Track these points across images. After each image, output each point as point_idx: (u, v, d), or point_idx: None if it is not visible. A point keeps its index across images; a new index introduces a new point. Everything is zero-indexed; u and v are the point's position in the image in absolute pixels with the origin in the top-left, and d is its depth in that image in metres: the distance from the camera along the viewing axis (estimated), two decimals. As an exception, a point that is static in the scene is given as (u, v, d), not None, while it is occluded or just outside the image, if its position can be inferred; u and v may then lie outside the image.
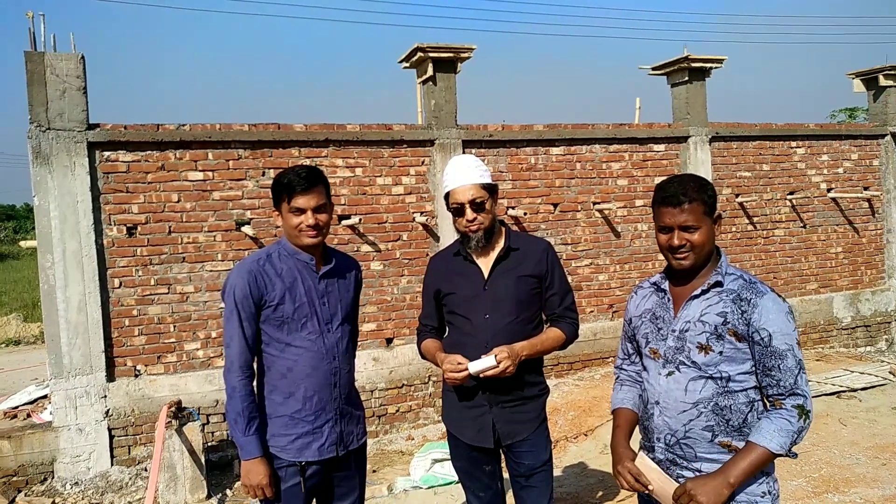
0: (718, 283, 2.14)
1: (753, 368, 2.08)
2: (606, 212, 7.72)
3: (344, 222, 6.55)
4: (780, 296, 2.13)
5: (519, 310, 2.80)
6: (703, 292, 2.15)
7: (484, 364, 2.61)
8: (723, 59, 8.07)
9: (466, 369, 2.65)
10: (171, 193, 6.08)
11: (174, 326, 6.08)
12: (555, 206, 7.52)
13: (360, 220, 6.59)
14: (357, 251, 6.65)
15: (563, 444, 5.86)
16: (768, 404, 2.09)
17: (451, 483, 5.04)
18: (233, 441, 2.69)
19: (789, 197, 8.66)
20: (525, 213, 7.28)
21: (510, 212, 7.25)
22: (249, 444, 2.54)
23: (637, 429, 2.37)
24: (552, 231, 7.48)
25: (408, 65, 7.27)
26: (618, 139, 7.78)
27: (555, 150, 7.53)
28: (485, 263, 2.85)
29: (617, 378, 2.48)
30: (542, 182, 7.48)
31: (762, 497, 2.07)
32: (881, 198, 9.22)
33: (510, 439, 2.82)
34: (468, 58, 7.02)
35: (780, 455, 2.02)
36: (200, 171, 6.18)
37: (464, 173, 2.80)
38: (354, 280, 2.85)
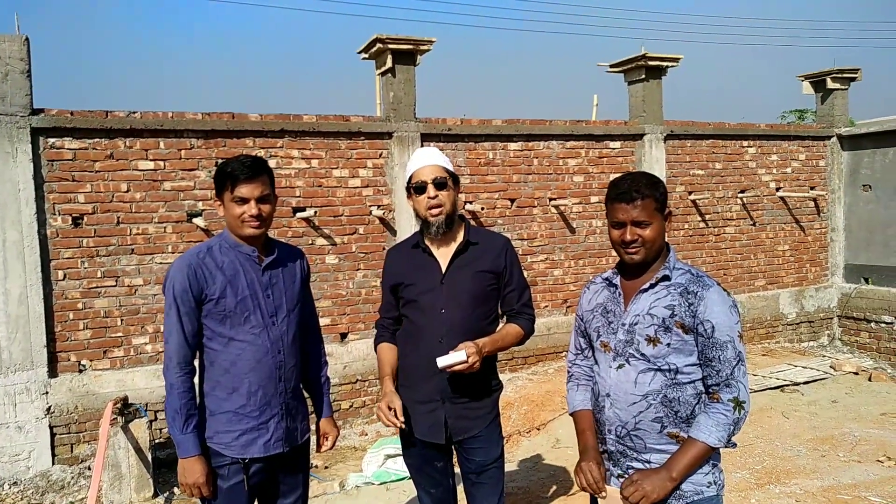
0: (666, 277, 2.20)
1: (699, 360, 2.15)
2: (562, 208, 7.78)
3: (299, 215, 6.45)
4: (725, 290, 2.20)
5: (475, 304, 2.80)
6: (652, 286, 2.21)
7: (453, 359, 2.59)
8: (679, 59, 8.20)
9: (399, 422, 2.65)
10: (119, 183, 5.90)
11: (121, 320, 5.92)
12: (512, 201, 7.54)
13: (316, 212, 6.50)
14: (312, 244, 6.56)
15: (515, 438, 5.90)
16: (707, 396, 2.15)
17: (403, 479, 5.03)
18: (181, 438, 2.63)
19: (740, 195, 8.87)
20: (482, 208, 7.29)
21: (468, 206, 7.25)
22: (187, 442, 2.49)
23: None
24: (509, 226, 7.51)
25: (367, 56, 7.19)
26: (574, 136, 7.85)
27: (513, 146, 7.55)
28: (443, 256, 2.84)
29: (570, 376, 2.50)
30: (499, 177, 7.50)
31: (707, 487, 2.15)
32: (826, 197, 9.52)
33: (462, 435, 2.82)
34: (427, 50, 6.98)
35: (719, 447, 2.10)
36: (151, 160, 6.01)
37: (428, 156, 2.84)
38: (300, 270, 2.80)
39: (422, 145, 7.02)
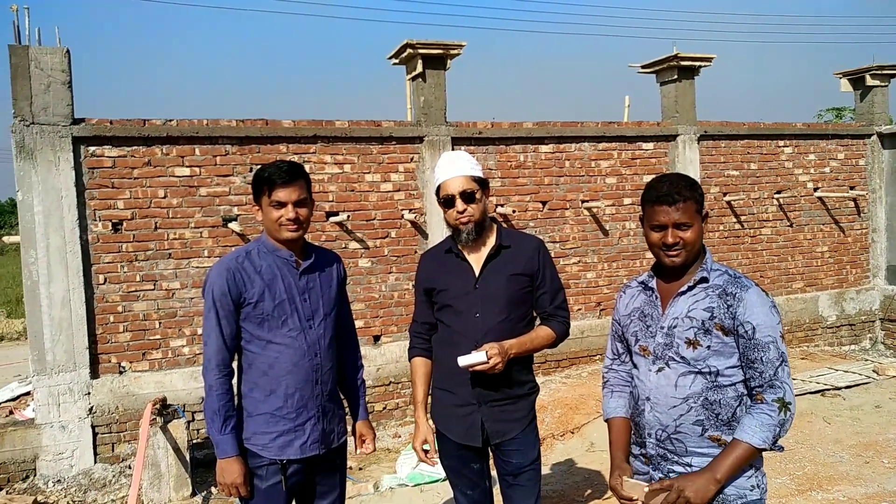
0: (704, 279, 2.18)
1: (740, 362, 2.12)
2: (595, 210, 7.73)
3: (332, 219, 6.52)
4: (764, 290, 2.17)
5: (510, 308, 2.80)
6: (690, 288, 2.19)
7: (473, 359, 2.60)
8: (712, 58, 8.09)
9: (433, 462, 2.86)
10: (157, 189, 6.02)
11: (159, 323, 6.03)
12: (543, 203, 7.52)
13: (349, 216, 6.56)
14: (345, 248, 6.61)
15: (549, 441, 5.87)
16: (751, 398, 2.12)
17: (437, 480, 5.04)
18: (216, 438, 2.68)
19: (776, 196, 8.71)
20: (514, 211, 7.27)
21: (499, 209, 7.24)
22: (225, 443, 2.53)
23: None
24: (541, 229, 7.48)
25: (397, 61, 7.24)
26: (606, 137, 7.79)
27: (544, 148, 7.53)
28: (476, 261, 2.84)
29: (606, 382, 2.48)
30: (531, 180, 7.47)
31: (751, 490, 2.11)
32: (867, 197, 9.29)
33: (499, 438, 2.81)
34: (458, 54, 7.00)
35: (765, 449, 2.05)
36: (187, 166, 6.12)
37: (455, 166, 2.80)
38: (336, 275, 2.84)
39: (452, 149, 7.03)
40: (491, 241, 2.86)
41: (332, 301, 2.77)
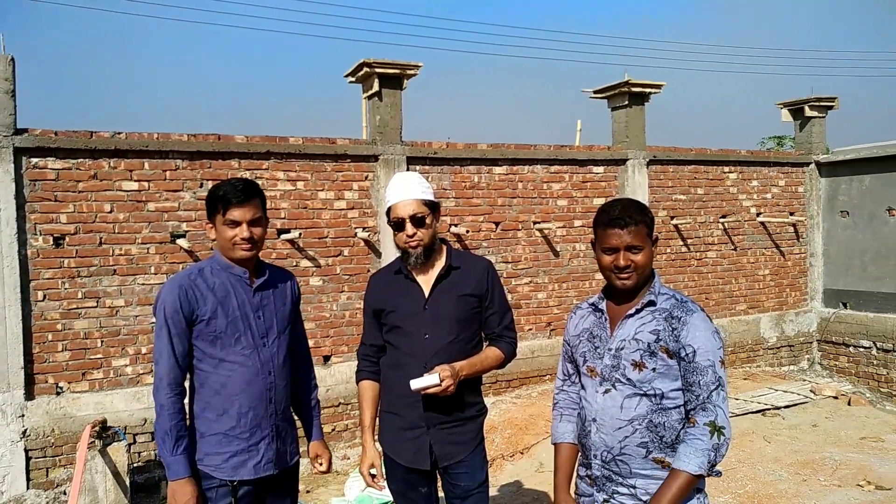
0: (652, 303, 2.23)
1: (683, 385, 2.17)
2: (546, 231, 7.84)
3: (283, 236, 6.44)
4: (709, 316, 2.23)
5: (459, 329, 2.81)
6: (638, 311, 2.23)
7: (426, 382, 2.60)
8: (662, 85, 8.34)
9: (380, 486, 2.86)
10: (103, 203, 5.86)
11: (102, 342, 5.84)
12: (496, 224, 7.59)
13: (301, 234, 6.50)
14: (296, 266, 6.54)
15: (499, 462, 5.88)
16: (686, 421, 2.16)
17: (386, 503, 4.99)
18: (160, 461, 2.62)
19: (721, 220, 8.99)
20: (467, 231, 7.32)
21: (453, 229, 7.28)
22: (176, 464, 2.48)
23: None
24: (493, 249, 7.54)
25: (354, 80, 7.24)
26: (559, 160, 7.93)
27: (497, 170, 7.61)
28: (425, 282, 2.85)
29: (556, 404, 2.52)
30: (484, 200, 7.54)
31: None
32: (805, 223, 9.67)
33: (447, 461, 2.81)
34: (414, 75, 7.05)
35: (703, 475, 2.08)
36: (135, 181, 5.98)
37: (406, 189, 2.80)
38: (291, 293, 2.82)
39: (408, 168, 7.06)
40: (440, 262, 2.87)
41: (287, 319, 2.76)
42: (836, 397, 7.69)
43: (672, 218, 8.64)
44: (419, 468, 2.82)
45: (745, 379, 8.52)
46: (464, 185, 7.43)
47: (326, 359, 6.67)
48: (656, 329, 2.18)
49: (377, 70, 6.79)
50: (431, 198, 2.87)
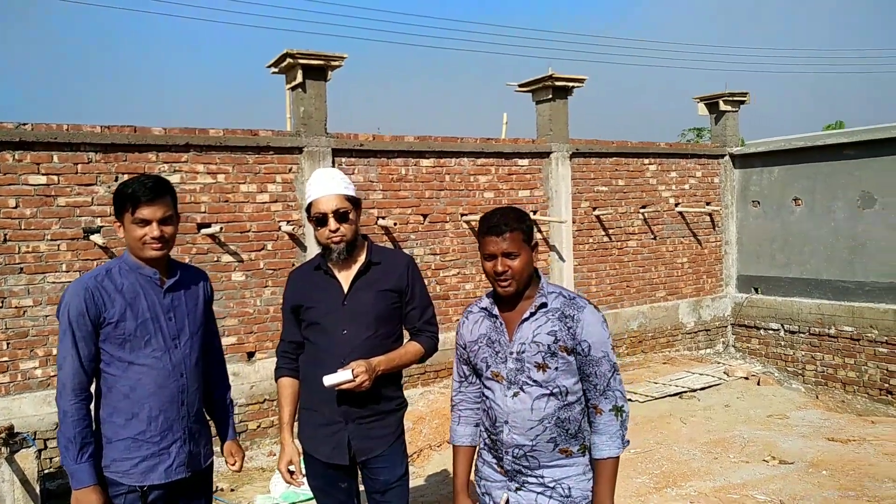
0: (544, 304, 2.33)
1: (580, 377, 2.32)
2: (473, 223, 7.91)
3: (204, 231, 6.28)
4: (596, 307, 2.36)
5: (378, 324, 2.82)
6: (532, 314, 2.33)
7: (339, 378, 2.60)
8: (584, 79, 8.53)
9: (299, 482, 2.86)
10: (7, 198, 5.57)
11: (8, 343, 5.57)
12: (424, 216, 7.62)
13: (222, 228, 6.35)
14: (217, 261, 6.40)
15: (426, 452, 5.94)
16: (590, 411, 2.32)
17: (312, 498, 4.97)
18: (69, 468, 2.54)
19: (642, 210, 9.29)
20: (395, 224, 7.32)
21: (380, 222, 7.27)
22: (81, 472, 2.41)
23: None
24: (421, 241, 7.57)
25: (276, 70, 7.11)
26: (485, 153, 8.02)
27: (425, 162, 7.64)
28: (345, 278, 2.85)
29: (454, 406, 2.59)
30: (412, 193, 7.56)
31: (588, 482, 2.34)
32: (721, 212, 10.11)
33: (366, 455, 2.83)
34: (339, 66, 6.97)
35: (622, 452, 2.31)
36: (43, 174, 5.71)
37: (329, 184, 2.79)
38: (203, 292, 2.78)
39: (333, 160, 7.01)
40: (361, 257, 2.87)
41: (199, 320, 2.71)
42: (747, 378, 8.12)
43: (594, 209, 8.88)
44: (338, 463, 2.83)
45: (664, 363, 8.88)
46: (391, 178, 7.42)
47: (251, 355, 6.56)
48: (553, 330, 2.29)
49: (301, 61, 6.69)
50: (353, 193, 2.87)
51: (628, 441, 2.36)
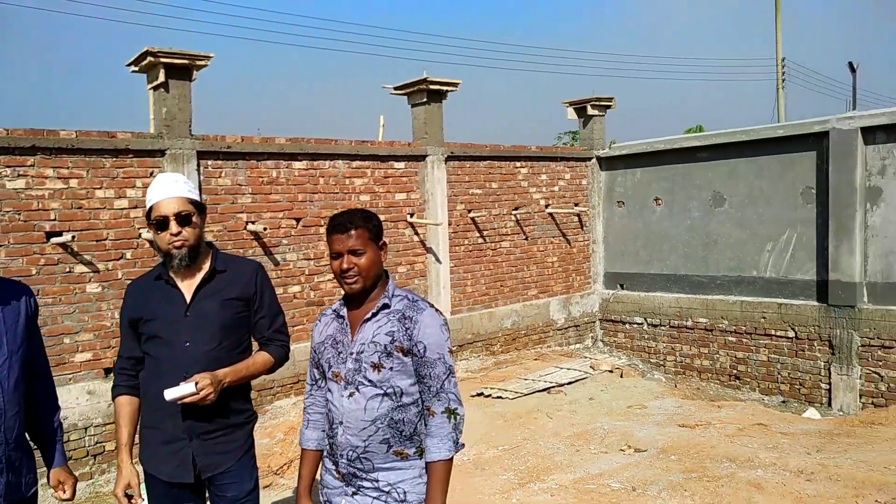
0: (386, 306, 2.38)
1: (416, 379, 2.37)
2: (349, 226, 7.89)
3: (54, 240, 5.88)
4: (438, 311, 2.43)
5: (223, 335, 2.76)
6: (374, 315, 2.38)
7: (181, 391, 2.52)
8: (458, 83, 8.71)
9: (137, 501, 2.72)
10: None
11: None
12: (297, 220, 7.52)
13: (74, 237, 5.98)
14: (70, 272, 6.02)
15: (296, 463, 5.88)
16: (424, 413, 2.36)
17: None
18: None
19: (514, 212, 9.62)
20: (265, 229, 7.17)
21: (250, 227, 7.10)
22: None
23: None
24: (294, 246, 7.47)
25: (137, 69, 6.77)
26: (360, 156, 8.01)
27: (297, 165, 7.53)
28: (188, 287, 2.76)
29: (305, 409, 2.60)
30: (284, 196, 7.44)
31: (421, 481, 2.36)
32: (588, 213, 10.64)
33: (212, 471, 2.76)
34: (205, 66, 6.74)
35: (454, 454, 2.33)
36: None
37: (170, 187, 2.73)
38: (25, 308, 2.59)
39: (198, 163, 6.78)
40: (206, 265, 2.80)
41: (19, 338, 2.53)
42: (611, 371, 8.60)
43: (469, 211, 9.09)
44: (183, 482, 2.76)
45: (535, 359, 9.25)
46: (261, 181, 7.27)
47: (108, 371, 6.21)
48: (391, 330, 2.34)
49: (163, 60, 6.41)
50: (197, 197, 2.80)
51: (463, 444, 2.40)
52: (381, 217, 8.03)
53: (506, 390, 7.53)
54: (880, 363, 8.13)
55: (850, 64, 26.26)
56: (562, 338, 10.26)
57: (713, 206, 9.58)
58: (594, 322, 10.78)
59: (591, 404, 7.30)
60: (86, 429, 5.93)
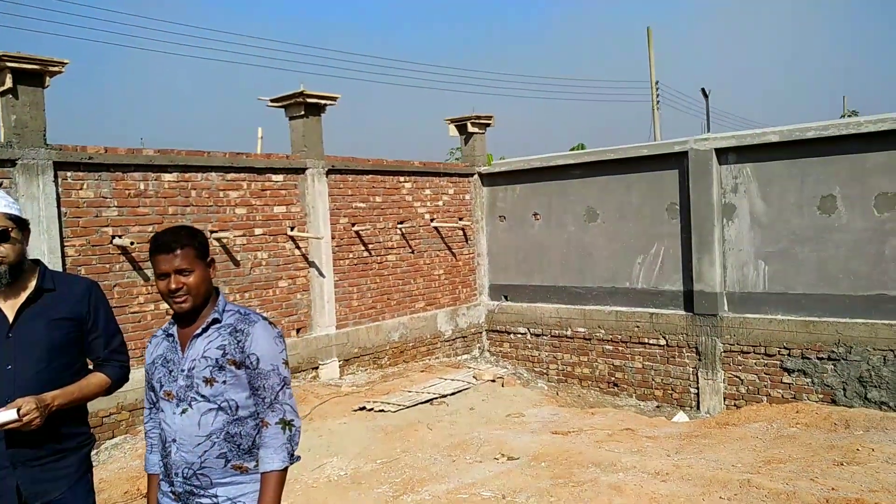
0: (217, 320, 2.34)
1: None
2: (225, 240, 7.66)
3: None
4: (271, 323, 2.40)
5: (51, 357, 2.62)
6: (204, 330, 2.33)
7: (2, 418, 2.36)
8: (336, 97, 8.67)
9: None
10: None
11: None
12: (168, 234, 7.20)
13: None
14: None
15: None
16: (259, 425, 2.32)
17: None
18: None
19: (399, 226, 9.66)
20: (132, 243, 6.83)
21: (116, 241, 6.74)
22: None
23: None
24: (164, 261, 7.14)
25: (-21, 73, 6.29)
26: (235, 168, 7.80)
27: (167, 177, 7.24)
28: (10, 307, 2.60)
29: (146, 433, 2.52)
30: (153, 209, 7.11)
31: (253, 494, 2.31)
32: (472, 227, 10.85)
33: (39, 500, 2.60)
34: (59, 72, 6.35)
35: (288, 466, 2.30)
36: None
37: None
38: None
39: (55, 174, 6.38)
40: (31, 284, 2.66)
41: None
42: (493, 380, 8.77)
43: (353, 225, 9.05)
44: None
45: (422, 371, 9.29)
46: (128, 193, 6.92)
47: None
48: (222, 344, 2.30)
49: (9, 64, 5.99)
50: (18, 213, 2.64)
51: (298, 457, 2.37)
52: (259, 230, 7.95)
53: (388, 403, 7.50)
54: (740, 367, 8.73)
55: (703, 90, 28.25)
56: (450, 349, 10.37)
57: (587, 221, 10.01)
58: (481, 333, 10.97)
59: (471, 414, 7.40)
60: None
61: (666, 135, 23.80)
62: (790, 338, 8.24)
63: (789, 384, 8.34)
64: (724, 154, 8.76)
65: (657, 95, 24.56)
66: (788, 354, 8.28)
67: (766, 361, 8.49)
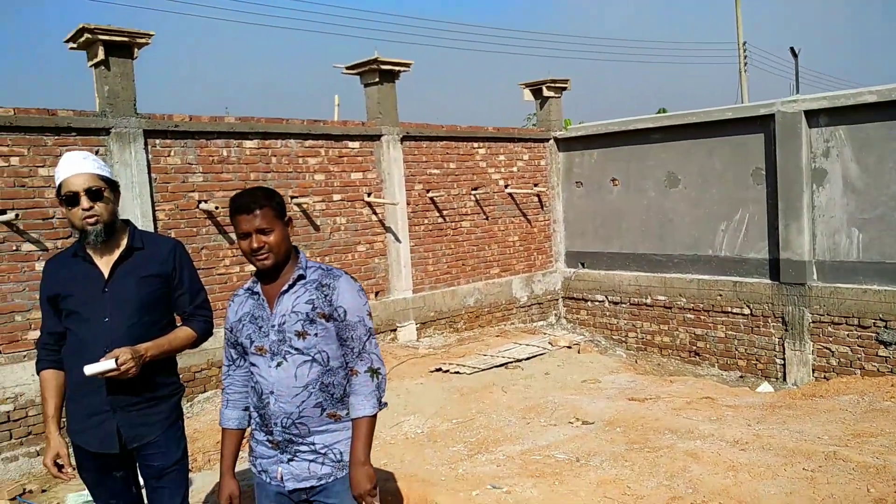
0: (302, 277, 2.43)
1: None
2: (305, 206, 7.86)
3: (-1, 218, 5.79)
4: (353, 277, 2.48)
5: (142, 312, 2.77)
6: (291, 287, 2.41)
7: (101, 367, 2.54)
8: (410, 64, 8.67)
9: (67, 476, 2.77)
10: None
11: None
12: (250, 200, 7.44)
13: (18, 215, 5.88)
14: (17, 251, 5.93)
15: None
16: (349, 374, 2.42)
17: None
18: None
19: (473, 192, 9.64)
20: (217, 207, 7.10)
21: (202, 206, 7.03)
22: None
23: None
24: (247, 226, 7.40)
25: (75, 46, 6.62)
26: (313, 135, 7.96)
27: (248, 144, 7.46)
28: (105, 264, 2.77)
29: (224, 389, 2.63)
30: (236, 175, 7.37)
31: (346, 440, 2.43)
32: (547, 193, 10.70)
33: (137, 442, 2.79)
34: (146, 44, 6.62)
35: (377, 412, 2.41)
36: None
37: (78, 164, 2.71)
38: None
39: (145, 142, 6.69)
40: (123, 242, 2.81)
41: None
42: (569, 347, 8.70)
43: (428, 191, 9.09)
44: (109, 453, 2.76)
45: (497, 336, 9.32)
46: (212, 160, 7.19)
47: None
48: (311, 299, 2.38)
49: (101, 37, 6.28)
50: (108, 174, 2.79)
51: (386, 403, 2.48)
52: (338, 196, 8.11)
53: (464, 365, 7.58)
54: (830, 339, 8.31)
55: (792, 49, 26.56)
56: (525, 315, 10.34)
57: (668, 186, 9.68)
58: (557, 300, 10.87)
59: (546, 379, 7.38)
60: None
61: (753, 97, 22.64)
62: (887, 309, 7.76)
63: (886, 357, 7.88)
64: (814, 116, 8.25)
65: (745, 56, 23.33)
66: (885, 326, 7.81)
67: (859, 333, 8.04)
